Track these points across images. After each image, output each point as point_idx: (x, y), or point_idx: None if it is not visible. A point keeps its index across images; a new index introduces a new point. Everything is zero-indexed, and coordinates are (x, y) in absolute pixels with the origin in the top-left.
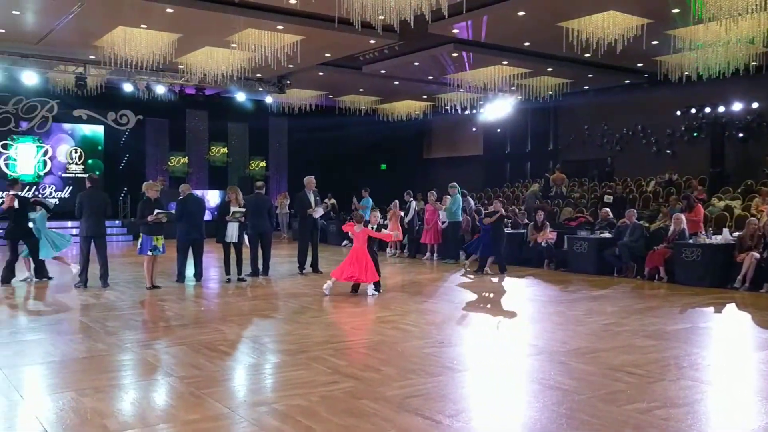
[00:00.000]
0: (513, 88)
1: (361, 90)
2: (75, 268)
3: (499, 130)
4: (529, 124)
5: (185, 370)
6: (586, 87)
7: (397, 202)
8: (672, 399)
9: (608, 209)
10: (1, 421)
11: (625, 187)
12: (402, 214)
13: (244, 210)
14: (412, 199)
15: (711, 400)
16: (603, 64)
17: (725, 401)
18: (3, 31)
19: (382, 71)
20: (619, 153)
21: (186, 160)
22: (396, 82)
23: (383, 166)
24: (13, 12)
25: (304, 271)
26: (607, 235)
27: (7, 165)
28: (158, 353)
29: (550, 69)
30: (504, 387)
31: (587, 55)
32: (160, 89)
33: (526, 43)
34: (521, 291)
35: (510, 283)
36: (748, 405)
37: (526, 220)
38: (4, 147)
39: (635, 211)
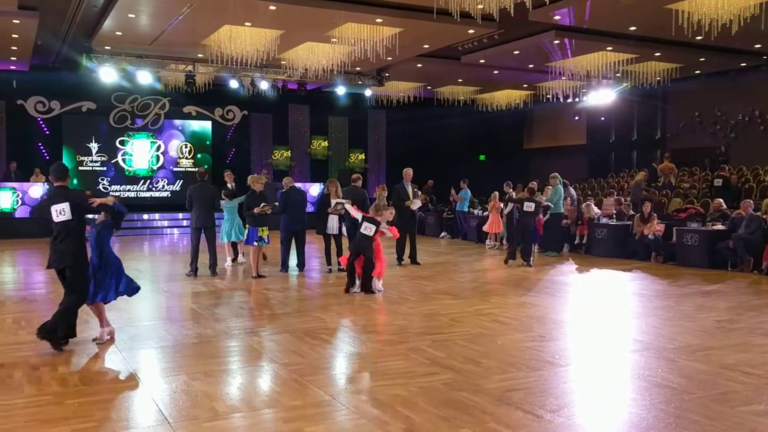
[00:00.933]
0: (618, 74)
1: (459, 80)
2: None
3: (603, 118)
4: (636, 111)
5: (288, 357)
6: (698, 71)
7: (497, 193)
8: None
9: (721, 200)
10: (123, 400)
11: (740, 177)
12: (502, 205)
13: (344, 201)
14: (511, 190)
15: None
16: (716, 46)
17: None
18: (120, 33)
19: (481, 61)
20: (734, 140)
21: (289, 153)
22: (495, 72)
23: (482, 157)
24: (129, 15)
25: (402, 263)
26: (720, 227)
27: (124, 160)
28: (263, 340)
29: (658, 53)
30: (608, 383)
31: (699, 37)
32: (264, 85)
33: (632, 28)
34: (626, 285)
35: (615, 276)
36: None
37: (631, 212)
38: (122, 143)
39: (751, 201)
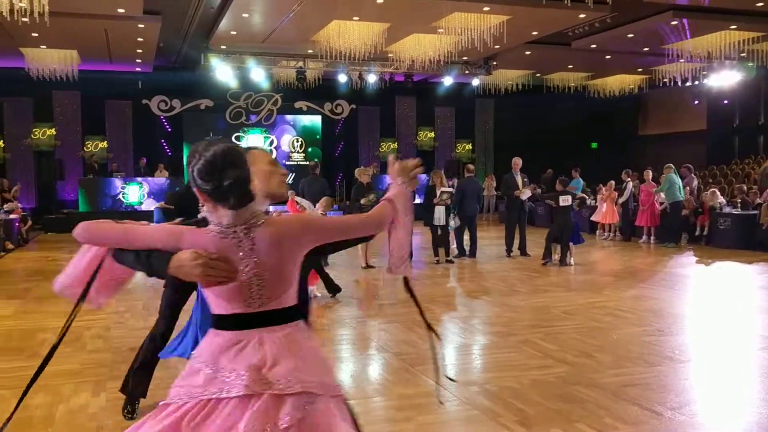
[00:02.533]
0: (743, 54)
1: (570, 66)
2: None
3: (726, 101)
4: (763, 93)
5: (398, 347)
6: None
7: (613, 182)
8: None
9: None
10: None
11: None
12: (617, 195)
13: (451, 191)
14: (629, 179)
15: None
16: None
17: None
18: (235, 33)
19: (593, 46)
20: None
21: (395, 145)
22: (608, 56)
23: (594, 145)
24: (243, 15)
25: (511, 254)
26: None
27: None
28: (373, 329)
29: None
30: (733, 381)
31: None
32: (372, 78)
33: (759, 3)
34: (752, 278)
35: (738, 269)
36: None
37: (758, 200)
38: (237, 139)
39: None
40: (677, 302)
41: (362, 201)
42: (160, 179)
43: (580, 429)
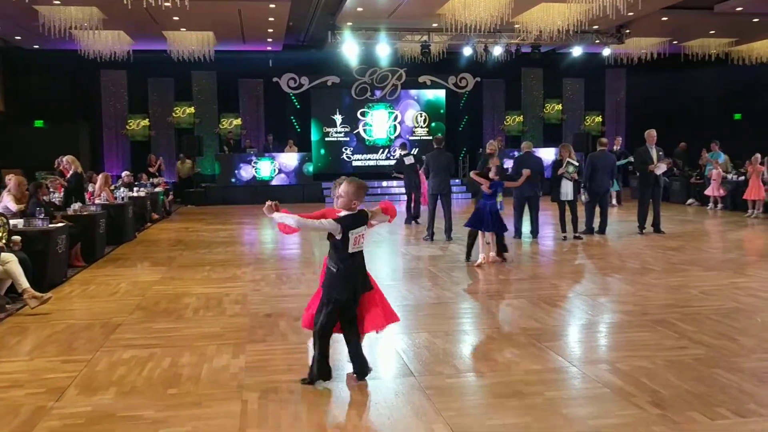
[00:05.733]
0: None
1: (711, 32)
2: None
3: None
4: None
5: (525, 322)
6: None
7: (758, 155)
8: None
9: None
10: (367, 350)
11: None
12: (764, 169)
13: (576, 164)
14: None
15: None
16: None
17: None
18: (361, 9)
19: (739, 9)
20: None
21: (521, 118)
22: (755, 20)
23: (737, 116)
24: None
25: (644, 231)
26: None
27: (364, 131)
28: (498, 304)
29: None
30: None
31: None
32: (497, 50)
33: None
34: None
35: None
36: None
37: None
38: (362, 114)
39: None
40: None
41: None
42: (291, 154)
43: (721, 413)
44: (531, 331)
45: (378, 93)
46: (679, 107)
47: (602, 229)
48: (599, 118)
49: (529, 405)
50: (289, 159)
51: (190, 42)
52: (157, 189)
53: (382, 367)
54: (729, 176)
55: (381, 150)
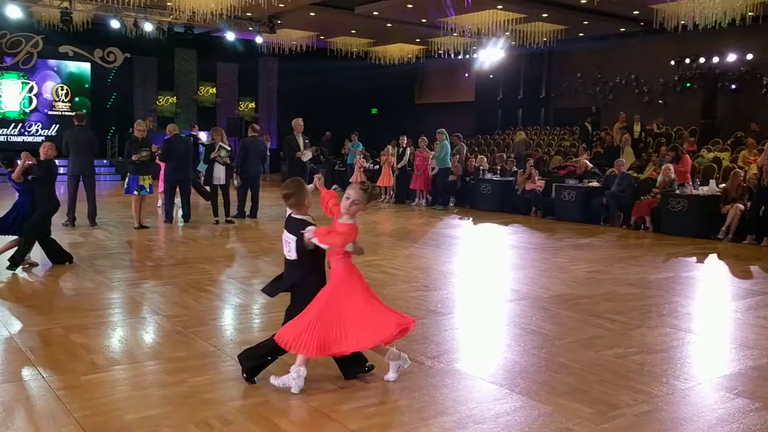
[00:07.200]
0: (507, 33)
1: (353, 31)
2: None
3: (492, 76)
4: (522, 70)
5: (172, 309)
6: (581, 34)
7: (389, 147)
8: (650, 345)
9: (587, 161)
10: None
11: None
12: (393, 160)
13: (229, 148)
14: (405, 144)
15: (687, 346)
16: (599, 10)
17: (701, 348)
18: None
19: (375, 12)
20: (611, 102)
21: (174, 99)
22: (388, 24)
23: (374, 110)
24: None
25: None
26: (595, 184)
27: None
28: (146, 292)
29: (545, 14)
30: (486, 330)
31: (583, 1)
32: (148, 27)
33: None
34: (507, 238)
35: (496, 230)
36: (723, 352)
37: (514, 168)
38: None
39: (624, 160)
40: (443, 260)
41: (134, 158)
42: None
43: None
44: (176, 318)
45: (9, 60)
46: (326, 99)
47: (254, 213)
48: (252, 104)
49: (172, 394)
50: None
51: None
52: None
53: (5, 370)
54: (367, 165)
55: (13, 124)
